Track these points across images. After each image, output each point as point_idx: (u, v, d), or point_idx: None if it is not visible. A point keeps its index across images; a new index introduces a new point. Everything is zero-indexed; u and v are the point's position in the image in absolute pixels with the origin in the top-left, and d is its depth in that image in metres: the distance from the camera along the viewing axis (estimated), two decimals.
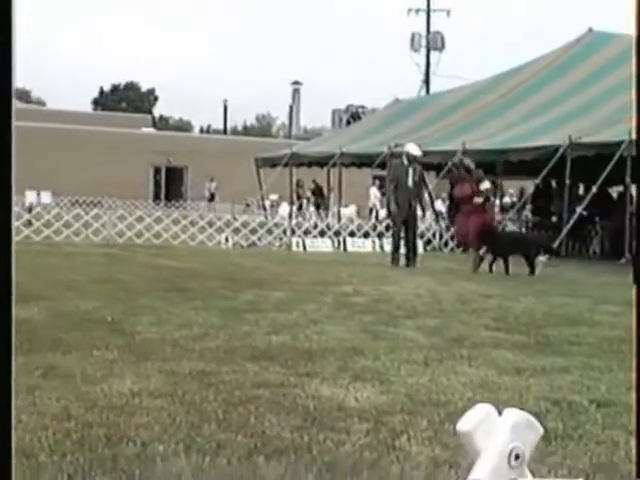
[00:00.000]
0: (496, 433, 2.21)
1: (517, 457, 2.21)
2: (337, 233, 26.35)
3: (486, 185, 19.33)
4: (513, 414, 2.27)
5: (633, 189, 24.73)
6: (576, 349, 8.31)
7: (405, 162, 19.75)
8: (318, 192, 39.79)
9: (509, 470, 2.18)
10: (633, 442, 3.03)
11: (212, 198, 53.75)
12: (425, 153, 22.62)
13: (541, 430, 2.29)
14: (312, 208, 40.30)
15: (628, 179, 23.16)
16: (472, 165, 20.00)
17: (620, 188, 27.22)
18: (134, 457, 4.50)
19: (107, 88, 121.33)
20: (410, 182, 19.50)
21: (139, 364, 6.87)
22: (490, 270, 17.69)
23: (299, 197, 40.11)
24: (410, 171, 19.55)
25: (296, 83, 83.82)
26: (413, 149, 20.09)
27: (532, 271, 17.74)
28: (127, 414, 5.35)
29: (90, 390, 5.95)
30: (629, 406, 5.96)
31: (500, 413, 2.28)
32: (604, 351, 8.21)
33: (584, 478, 4.43)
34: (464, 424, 2.25)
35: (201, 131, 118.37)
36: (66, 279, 13.29)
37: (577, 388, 6.50)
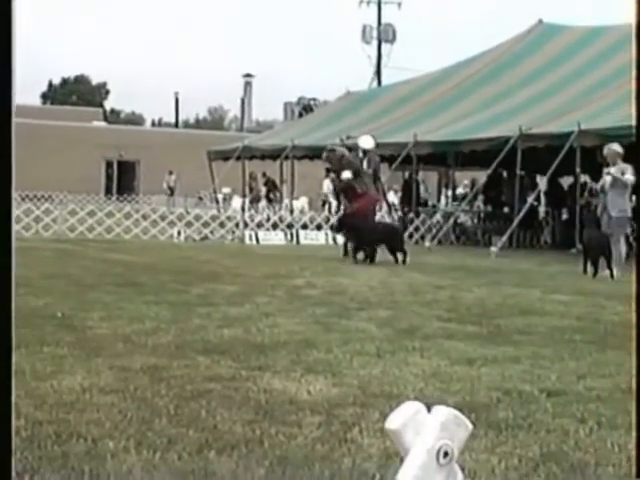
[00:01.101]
0: (425, 430, 2.21)
1: (446, 454, 2.21)
2: (290, 226, 26.32)
3: (347, 175, 18.76)
4: (442, 411, 2.28)
5: (583, 179, 24.93)
6: (527, 339, 8.37)
7: (360, 154, 19.76)
8: (271, 185, 39.73)
9: (438, 467, 2.19)
10: (633, 439, 3.04)
11: (172, 192, 52.23)
12: (377, 145, 22.67)
13: (470, 427, 2.30)
14: (264, 201, 40.22)
15: (578, 170, 23.34)
16: (345, 152, 19.46)
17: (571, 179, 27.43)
18: (84, 454, 4.47)
19: (56, 81, 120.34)
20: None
21: (90, 360, 6.82)
22: (355, 259, 17.53)
23: (252, 190, 40.01)
24: (365, 163, 19.55)
25: (248, 76, 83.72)
26: (364, 142, 20.10)
27: (397, 260, 17.58)
28: (77, 411, 5.30)
29: (40, 386, 5.90)
30: (579, 395, 6.01)
31: (429, 410, 2.28)
32: (555, 340, 8.28)
33: (534, 467, 4.46)
34: (393, 422, 2.26)
35: (153, 124, 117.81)
36: (16, 275, 13.12)
37: (528, 377, 6.54)
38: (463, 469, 2.25)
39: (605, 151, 17.19)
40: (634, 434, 3.02)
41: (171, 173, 52.43)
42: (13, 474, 1.94)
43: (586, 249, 16.34)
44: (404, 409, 2.26)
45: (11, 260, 1.89)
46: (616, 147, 16.84)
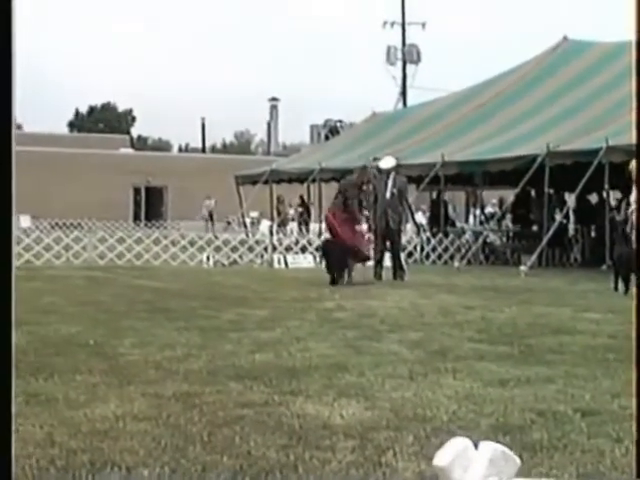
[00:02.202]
0: (473, 467, 2.21)
1: None
2: (318, 249, 26.29)
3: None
4: (489, 447, 2.27)
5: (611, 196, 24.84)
6: (560, 358, 8.32)
7: (384, 175, 19.78)
8: (305, 208, 39.85)
9: None
10: (634, 439, 3.02)
11: (211, 217, 50.86)
12: (402, 166, 22.67)
13: (518, 461, 2.29)
14: (293, 224, 40.29)
15: (607, 186, 23.25)
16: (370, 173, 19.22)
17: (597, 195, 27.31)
18: None
19: (83, 110, 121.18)
20: (388, 194, 19.51)
21: (122, 387, 6.83)
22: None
23: (279, 213, 40.09)
24: (389, 183, 19.57)
25: (273, 99, 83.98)
26: (384, 163, 20.15)
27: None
28: (111, 438, 5.31)
29: (73, 415, 5.91)
30: (614, 414, 5.97)
31: (476, 446, 2.27)
32: (588, 360, 8.22)
33: None
34: (441, 459, 2.25)
35: (180, 150, 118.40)
36: (47, 303, 13.22)
37: (561, 397, 6.49)
38: None
39: (631, 166, 17.12)
40: (634, 434, 3.00)
41: (209, 197, 51.26)
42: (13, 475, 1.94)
43: (616, 266, 16.25)
44: (452, 445, 2.25)
45: (11, 261, 1.89)
46: None
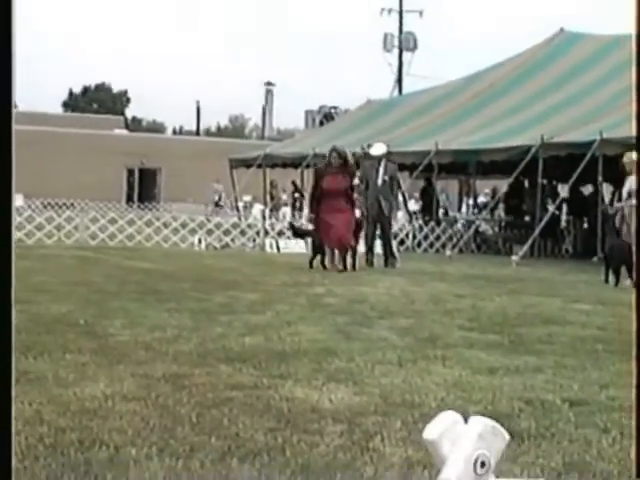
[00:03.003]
0: (462, 441, 2.22)
1: (483, 464, 2.21)
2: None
3: (357, 181, 18.11)
4: (479, 422, 2.28)
5: (604, 188, 24.87)
6: (549, 348, 8.34)
7: (375, 161, 19.78)
8: (300, 194, 39.83)
9: (475, 477, 2.19)
10: (634, 439, 3.03)
11: (219, 201, 48.23)
12: (396, 153, 22.68)
13: (507, 437, 2.30)
14: (286, 209, 40.26)
15: (600, 178, 23.28)
16: (349, 156, 18.01)
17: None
18: (107, 461, 4.48)
19: (77, 90, 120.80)
20: (380, 181, 19.51)
21: (112, 367, 6.84)
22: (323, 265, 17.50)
23: (272, 198, 40.07)
24: (381, 170, 19.56)
25: (269, 84, 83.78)
26: (375, 149, 20.13)
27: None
28: (100, 418, 5.32)
29: (62, 393, 5.91)
30: (602, 405, 5.99)
31: (466, 420, 2.28)
32: (577, 350, 8.24)
33: (556, 477, 4.44)
34: (430, 432, 2.26)
35: (174, 132, 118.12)
36: (38, 282, 13.21)
37: (550, 387, 6.52)
38: (501, 475, 2.25)
39: (625, 159, 17.14)
40: (634, 434, 3.01)
41: (218, 182, 47.88)
42: (13, 475, 1.94)
43: (607, 258, 16.29)
44: (441, 419, 2.27)
45: (11, 262, 1.88)
46: (635, 156, 16.79)
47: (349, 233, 17.48)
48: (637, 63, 2.50)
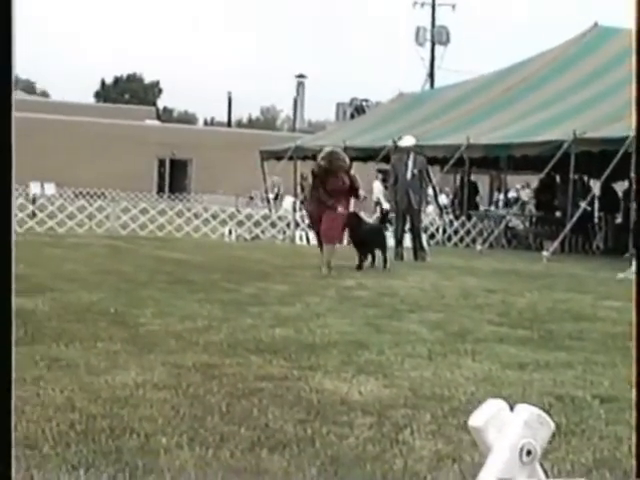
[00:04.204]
0: (508, 429, 2.22)
1: (529, 453, 2.21)
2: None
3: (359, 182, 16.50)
4: (525, 410, 2.28)
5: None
6: (579, 344, 8.31)
7: (404, 155, 19.71)
8: None
9: (521, 466, 2.19)
10: (634, 438, 3.02)
11: (277, 195, 43.36)
12: (427, 146, 22.61)
13: (552, 426, 2.30)
14: None
15: (633, 174, 23.13)
16: (346, 157, 16.73)
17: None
18: (137, 449, 4.51)
19: (109, 80, 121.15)
20: (409, 174, 19.46)
21: (142, 356, 6.87)
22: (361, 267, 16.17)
23: (303, 190, 40.00)
24: (410, 164, 19.51)
25: (301, 76, 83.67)
26: (404, 141, 20.05)
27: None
28: (131, 406, 5.35)
29: (94, 381, 5.95)
30: (632, 402, 5.96)
31: (512, 409, 2.28)
32: (607, 347, 8.21)
33: (586, 473, 4.43)
34: (476, 419, 2.26)
35: (205, 123, 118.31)
36: (70, 270, 13.29)
37: (580, 383, 6.49)
38: (544, 468, 2.25)
39: None
40: (634, 434, 3.00)
41: (277, 175, 43.41)
42: (13, 473, 1.96)
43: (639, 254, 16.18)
44: (487, 407, 2.27)
45: (11, 259, 1.88)
46: None
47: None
48: (637, 57, 2.48)
